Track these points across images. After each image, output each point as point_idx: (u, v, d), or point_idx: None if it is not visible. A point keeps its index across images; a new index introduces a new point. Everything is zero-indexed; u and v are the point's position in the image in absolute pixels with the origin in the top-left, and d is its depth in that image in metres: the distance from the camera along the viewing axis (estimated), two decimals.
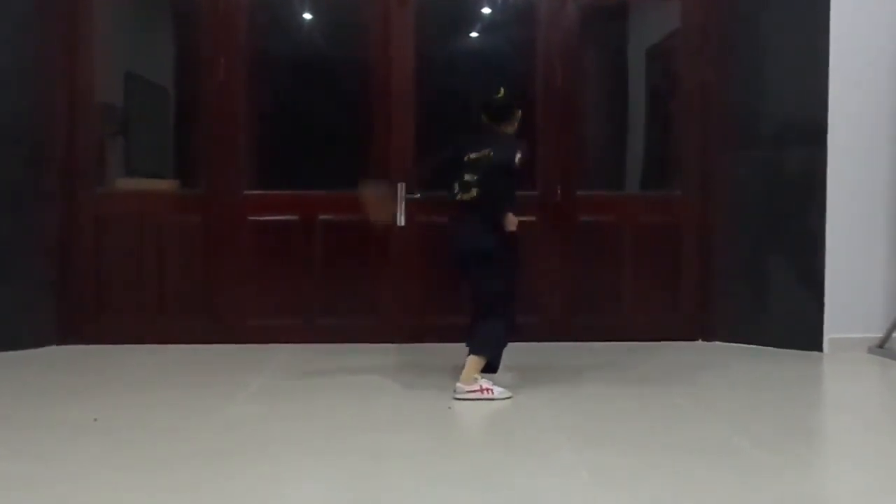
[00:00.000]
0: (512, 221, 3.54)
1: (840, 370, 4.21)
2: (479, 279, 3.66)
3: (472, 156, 3.61)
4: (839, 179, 4.48)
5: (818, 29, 4.47)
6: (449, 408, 3.35)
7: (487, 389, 3.47)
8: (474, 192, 3.58)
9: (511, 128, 3.72)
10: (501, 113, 3.69)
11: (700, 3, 4.82)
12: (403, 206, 4.60)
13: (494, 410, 3.38)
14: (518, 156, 3.56)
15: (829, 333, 4.52)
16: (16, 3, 4.44)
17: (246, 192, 4.73)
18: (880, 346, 4.49)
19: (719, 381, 3.95)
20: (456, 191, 3.63)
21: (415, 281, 4.72)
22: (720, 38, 4.80)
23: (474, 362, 3.50)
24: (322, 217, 4.74)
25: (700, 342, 4.85)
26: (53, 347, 4.54)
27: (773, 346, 4.62)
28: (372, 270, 4.75)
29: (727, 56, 4.79)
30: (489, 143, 3.63)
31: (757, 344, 4.69)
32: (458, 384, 3.48)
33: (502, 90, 3.71)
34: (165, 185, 4.90)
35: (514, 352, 3.76)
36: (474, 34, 5.03)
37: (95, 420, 3.16)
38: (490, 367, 3.58)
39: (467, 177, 3.60)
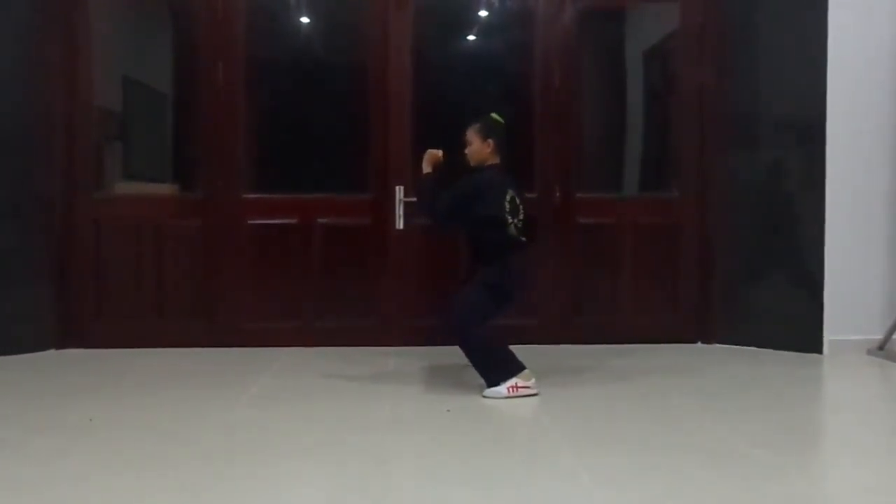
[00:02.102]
0: None
1: (840, 372, 4.21)
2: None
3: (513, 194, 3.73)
4: (838, 180, 4.49)
5: (816, 28, 4.48)
6: (448, 410, 3.35)
7: (514, 387, 3.53)
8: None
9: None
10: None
11: (698, 4, 4.83)
12: (402, 209, 4.62)
13: (495, 412, 3.38)
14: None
15: (829, 335, 4.52)
16: (14, 8, 4.45)
17: (244, 195, 4.73)
18: (880, 349, 4.49)
19: (719, 382, 3.95)
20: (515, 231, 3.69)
21: (413, 283, 4.73)
22: (718, 39, 4.81)
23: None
24: (320, 220, 4.74)
25: (699, 344, 4.85)
26: (53, 351, 4.55)
27: (773, 348, 4.62)
28: (371, 273, 4.75)
29: (725, 57, 4.79)
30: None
31: (756, 346, 4.69)
32: (487, 391, 3.57)
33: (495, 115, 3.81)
34: (164, 189, 4.90)
35: None
36: (472, 37, 5.04)
37: (91, 420, 3.17)
38: (514, 369, 3.57)
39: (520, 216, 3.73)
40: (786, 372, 4.15)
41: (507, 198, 3.66)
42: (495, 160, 3.76)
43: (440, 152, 3.83)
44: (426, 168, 3.82)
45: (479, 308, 3.60)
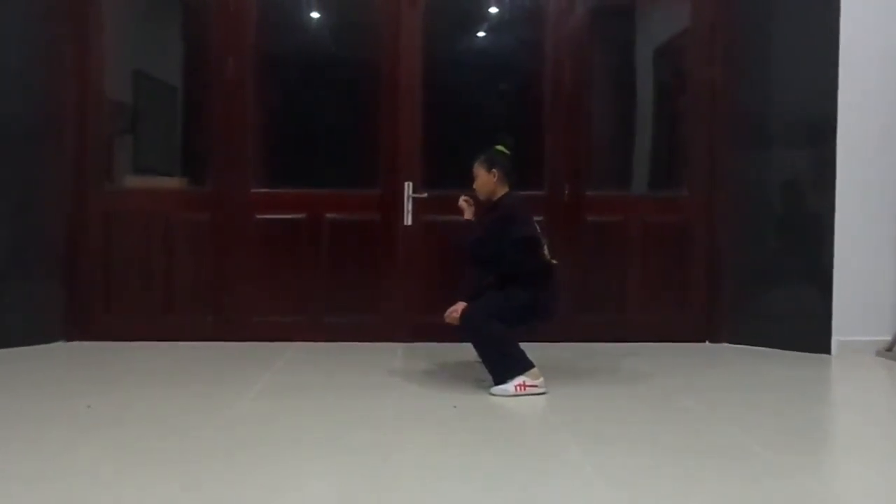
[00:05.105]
0: None
1: (848, 373, 4.19)
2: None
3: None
4: (848, 179, 4.47)
5: (828, 27, 4.45)
6: (454, 406, 3.35)
7: (522, 385, 3.51)
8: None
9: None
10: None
11: (709, 2, 4.82)
12: (410, 205, 4.62)
13: (502, 410, 3.38)
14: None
15: (837, 336, 4.50)
16: (27, 2, 4.46)
17: (253, 190, 4.74)
18: (889, 350, 4.47)
19: (727, 382, 3.94)
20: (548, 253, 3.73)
21: (421, 280, 4.73)
22: (729, 37, 4.79)
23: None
24: (329, 216, 4.75)
25: (707, 343, 4.84)
26: (61, 343, 4.57)
27: (781, 348, 4.61)
28: (378, 269, 4.76)
29: (736, 55, 4.77)
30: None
31: (764, 346, 4.67)
32: (494, 388, 3.55)
33: (502, 145, 3.81)
34: (173, 182, 4.91)
35: None
36: (483, 34, 5.03)
37: (89, 407, 3.21)
38: (523, 367, 3.55)
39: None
40: (794, 372, 4.14)
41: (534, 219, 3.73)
42: (504, 189, 3.77)
43: (469, 199, 3.89)
44: (467, 216, 3.87)
45: (496, 308, 3.58)
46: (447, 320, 3.65)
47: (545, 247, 3.70)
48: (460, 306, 3.62)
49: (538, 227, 3.73)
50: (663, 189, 5.11)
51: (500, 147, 3.80)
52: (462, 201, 3.91)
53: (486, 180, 3.76)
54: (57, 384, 3.71)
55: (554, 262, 3.72)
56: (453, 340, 4.14)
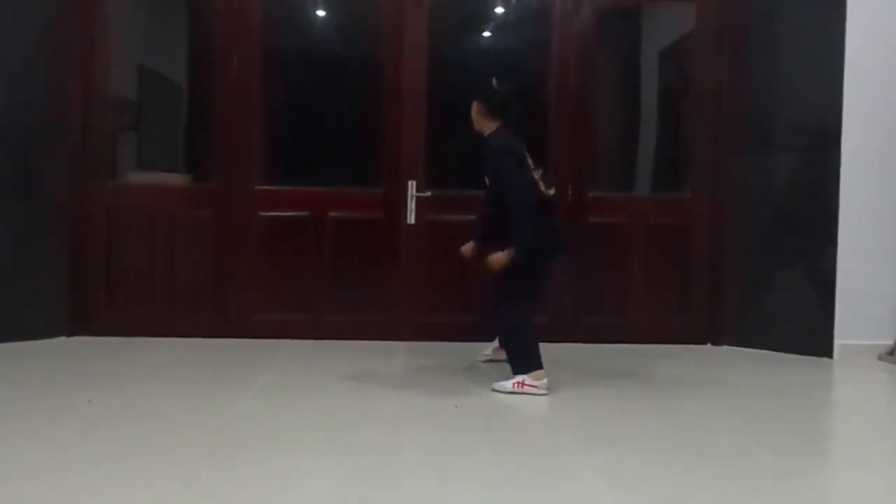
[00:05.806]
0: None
1: (849, 377, 4.19)
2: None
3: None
4: (852, 184, 4.46)
5: (833, 32, 4.44)
6: (455, 406, 3.35)
7: (521, 384, 3.53)
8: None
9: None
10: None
11: (715, 5, 4.80)
12: (413, 204, 4.62)
13: (503, 409, 3.38)
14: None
15: (839, 339, 4.50)
16: None
17: (257, 187, 4.74)
18: (890, 354, 4.46)
19: (728, 384, 3.93)
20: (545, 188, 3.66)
21: (423, 278, 4.73)
22: (734, 41, 4.78)
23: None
24: (332, 214, 4.75)
25: (709, 346, 4.83)
26: (64, 338, 4.57)
27: (783, 352, 4.60)
28: (381, 268, 4.75)
29: (741, 58, 4.76)
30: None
31: (766, 349, 4.67)
32: (496, 384, 3.58)
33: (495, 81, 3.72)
34: (177, 179, 4.91)
35: None
36: (488, 34, 5.02)
37: (89, 402, 3.23)
38: (530, 366, 3.56)
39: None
40: (795, 375, 4.13)
41: (525, 155, 3.64)
42: (493, 125, 3.67)
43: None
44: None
45: (522, 286, 3.59)
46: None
47: (540, 183, 3.62)
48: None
49: (530, 162, 3.65)
50: (666, 191, 5.11)
51: (494, 81, 3.73)
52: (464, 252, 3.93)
53: (474, 111, 3.73)
54: (58, 379, 3.72)
55: (551, 192, 3.66)
56: (454, 340, 4.16)
